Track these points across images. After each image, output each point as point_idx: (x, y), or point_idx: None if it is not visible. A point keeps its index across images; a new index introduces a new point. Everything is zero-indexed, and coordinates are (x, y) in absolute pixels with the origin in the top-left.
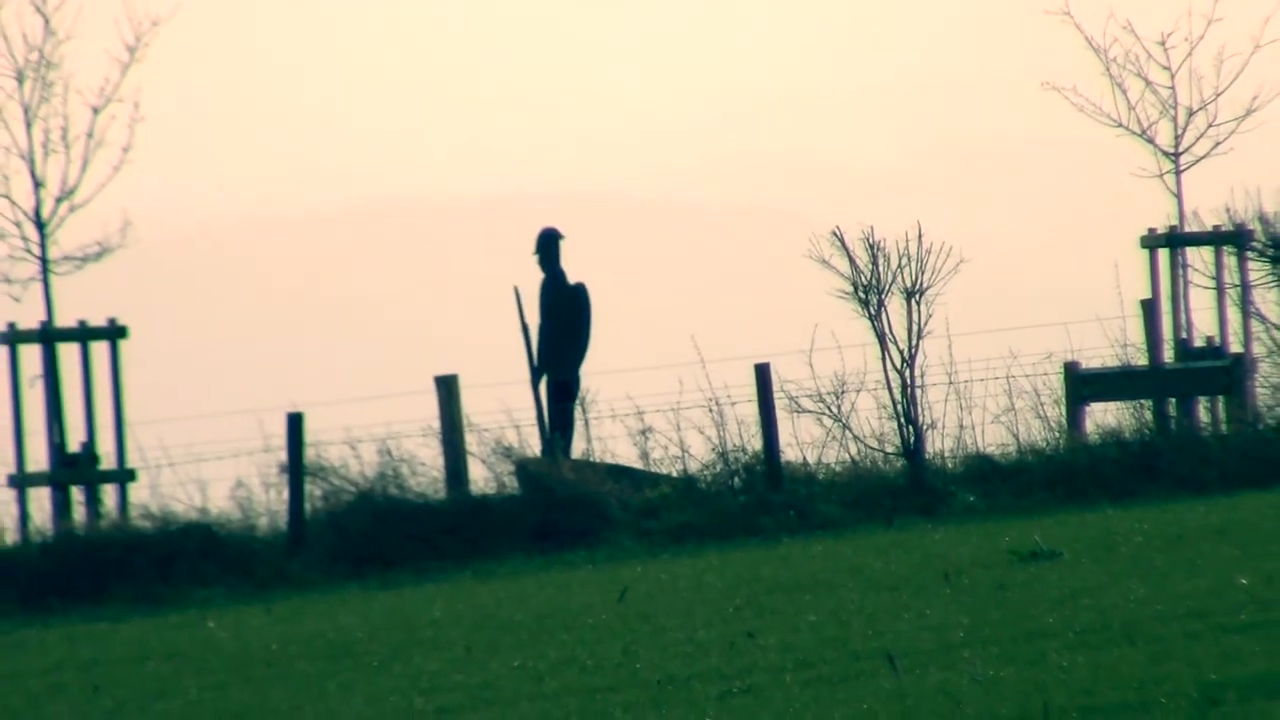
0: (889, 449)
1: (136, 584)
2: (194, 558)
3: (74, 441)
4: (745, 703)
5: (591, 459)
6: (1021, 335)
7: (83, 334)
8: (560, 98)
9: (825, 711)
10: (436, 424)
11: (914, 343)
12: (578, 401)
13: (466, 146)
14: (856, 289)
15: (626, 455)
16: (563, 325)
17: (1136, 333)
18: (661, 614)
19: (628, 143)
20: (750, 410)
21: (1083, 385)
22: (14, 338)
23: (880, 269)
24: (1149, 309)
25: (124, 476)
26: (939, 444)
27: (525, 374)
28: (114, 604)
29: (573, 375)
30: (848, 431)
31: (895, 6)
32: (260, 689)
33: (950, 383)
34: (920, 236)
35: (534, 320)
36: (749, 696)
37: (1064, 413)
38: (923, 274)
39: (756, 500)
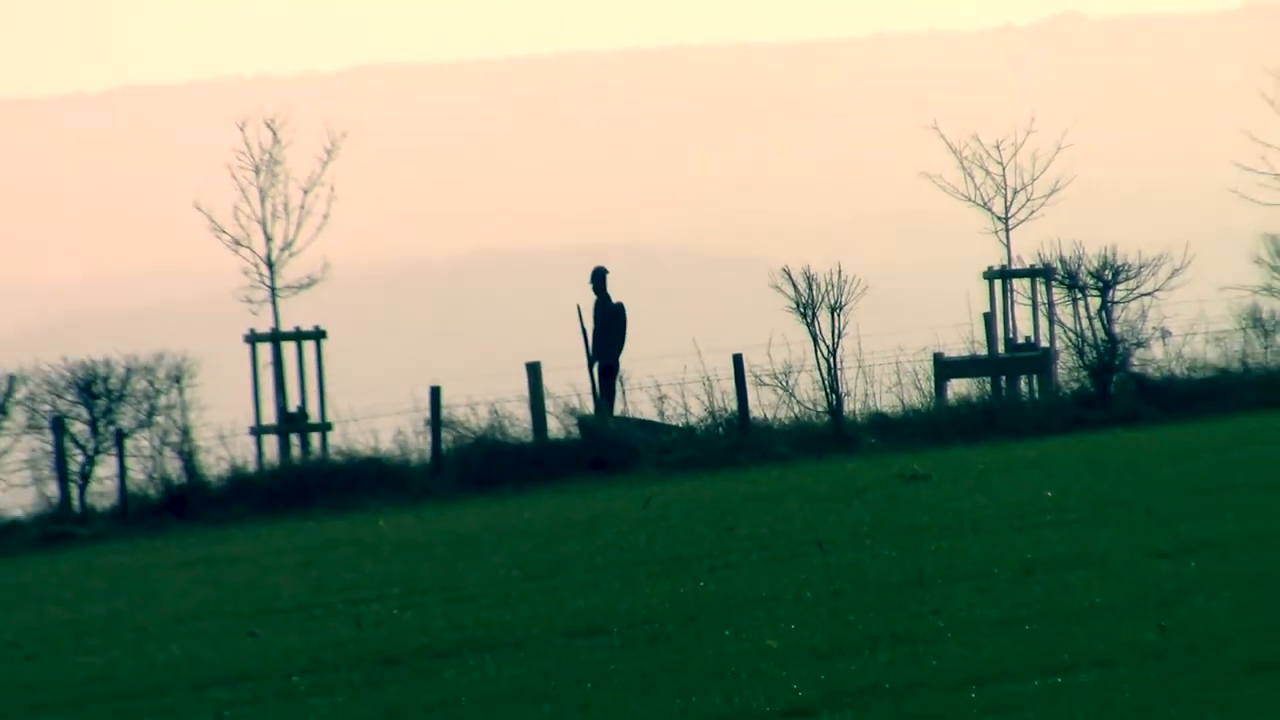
0: (819, 409)
1: (332, 497)
2: (370, 480)
3: (292, 404)
4: (726, 574)
5: (626, 415)
6: (906, 336)
7: (298, 336)
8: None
9: (777, 579)
10: (527, 393)
11: (836, 341)
12: (617, 379)
13: (544, 211)
14: (798, 306)
15: (649, 413)
16: (608, 330)
17: (980, 334)
18: (672, 516)
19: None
20: (730, 384)
21: (945, 368)
22: (254, 339)
23: (813, 293)
24: (988, 319)
25: (324, 428)
26: (852, 406)
27: (584, 361)
28: (318, 510)
29: (614, 362)
30: (793, 398)
31: None
32: (413, 564)
33: (859, 366)
34: (840, 271)
35: (589, 326)
36: (729, 570)
37: (933, 385)
38: (841, 296)
39: (733, 443)
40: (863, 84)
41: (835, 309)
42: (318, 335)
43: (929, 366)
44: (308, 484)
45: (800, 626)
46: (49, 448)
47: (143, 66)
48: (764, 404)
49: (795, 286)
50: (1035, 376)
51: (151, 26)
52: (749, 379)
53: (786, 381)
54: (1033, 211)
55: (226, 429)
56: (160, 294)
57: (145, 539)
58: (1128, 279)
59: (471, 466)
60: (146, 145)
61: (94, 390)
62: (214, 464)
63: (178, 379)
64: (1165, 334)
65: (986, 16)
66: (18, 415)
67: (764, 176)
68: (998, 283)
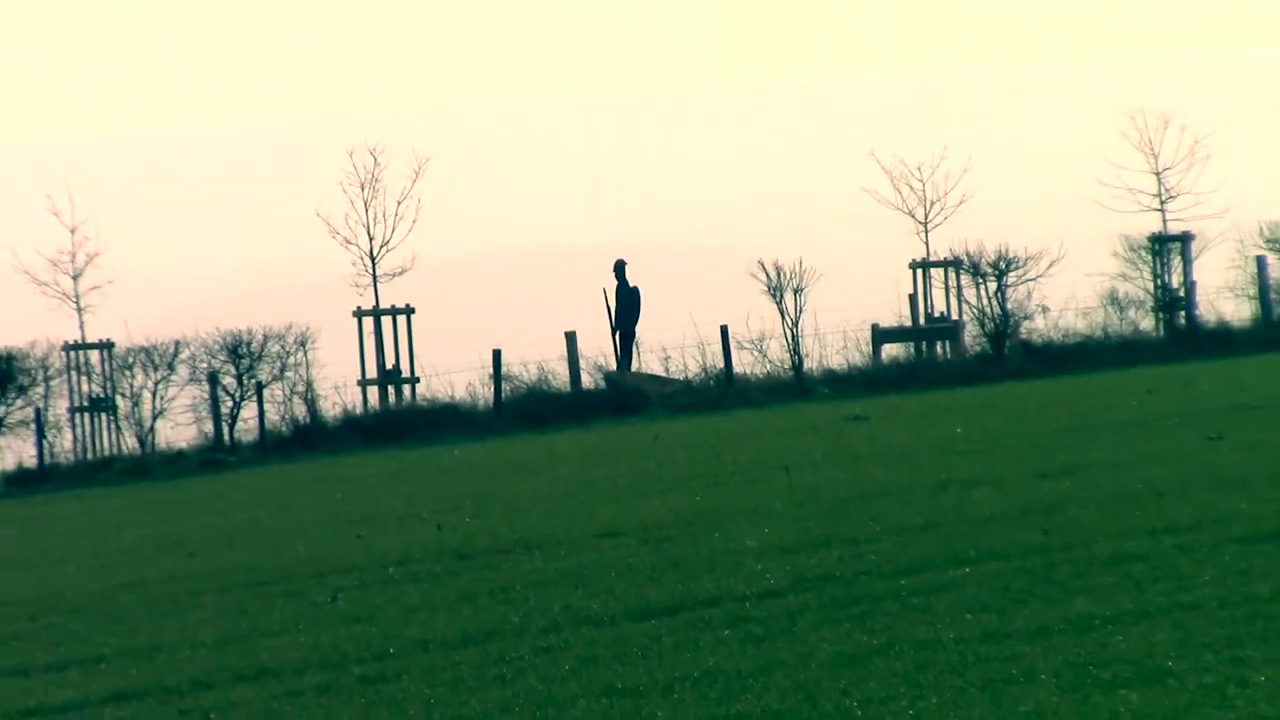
0: (785, 367)
1: (419, 433)
2: (447, 421)
3: (388, 363)
4: (716, 491)
5: (640, 371)
6: (850, 312)
7: (393, 311)
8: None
9: (754, 495)
10: (566, 354)
11: (798, 315)
12: (634, 344)
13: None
14: (769, 289)
15: (657, 369)
16: (626, 307)
17: (906, 310)
18: (675, 448)
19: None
20: (718, 348)
21: (880, 336)
22: (360, 314)
23: (780, 279)
24: (912, 299)
25: (413, 381)
26: (810, 364)
27: (608, 330)
28: (408, 443)
29: (631, 331)
30: (765, 358)
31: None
32: (479, 484)
33: (816, 334)
34: (801, 263)
35: (612, 304)
36: (718, 488)
37: (872, 349)
38: (802, 282)
39: (720, 392)
40: (821, 120)
41: (797, 291)
42: (408, 311)
43: (868, 334)
44: (400, 423)
45: (771, 530)
46: (206, 396)
47: (286, 106)
48: (744, 363)
49: (767, 274)
50: (948, 342)
51: (298, 76)
52: (733, 344)
53: (761, 346)
54: (946, 217)
55: (339, 382)
56: (290, 279)
57: (278, 464)
58: (1017, 268)
59: (524, 410)
60: (279, 165)
61: (239, 352)
62: (330, 408)
63: (303, 344)
64: (1045, 309)
65: (912, 68)
66: (182, 371)
67: (744, 190)
68: (919, 271)
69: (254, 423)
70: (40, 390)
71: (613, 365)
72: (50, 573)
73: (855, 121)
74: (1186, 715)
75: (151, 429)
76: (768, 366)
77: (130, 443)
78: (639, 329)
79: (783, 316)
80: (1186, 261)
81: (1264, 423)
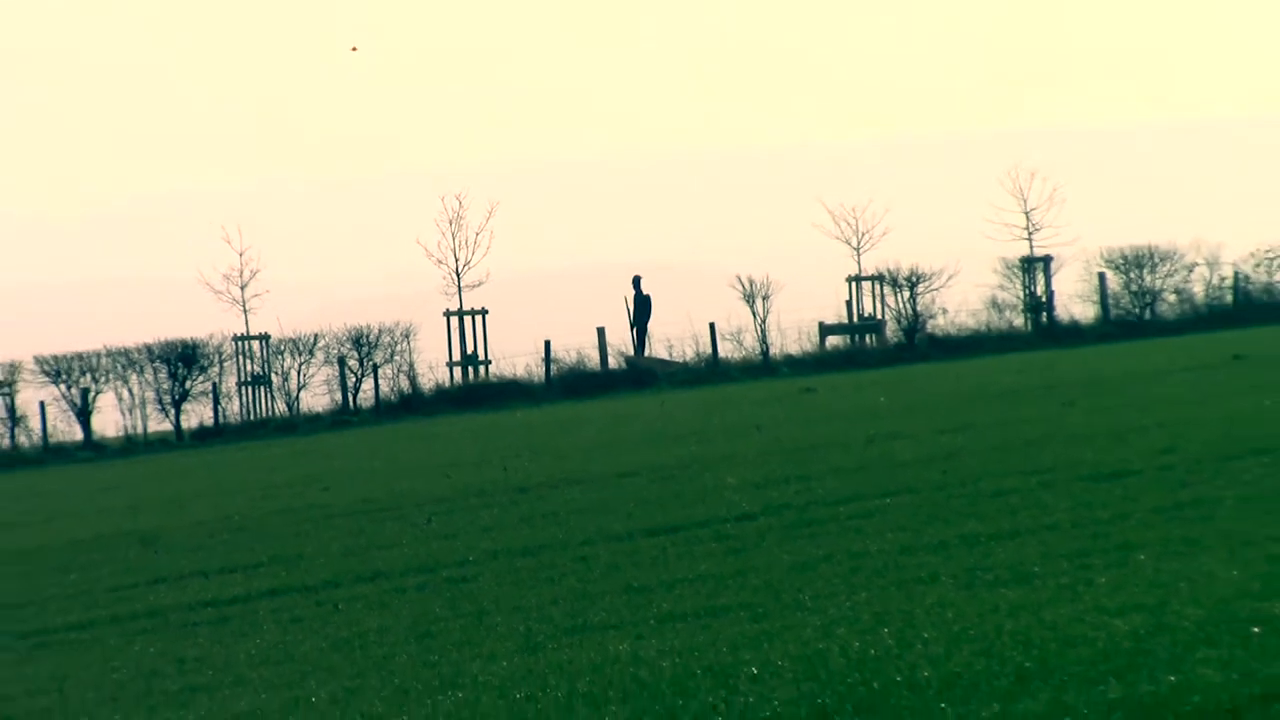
0: (756, 353)
1: (490, 402)
2: (511, 392)
3: (469, 349)
4: (705, 443)
5: (651, 356)
6: (804, 312)
7: (472, 312)
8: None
9: (734, 447)
10: (597, 343)
11: (765, 315)
12: (646, 336)
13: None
14: (745, 296)
15: (663, 354)
16: (641, 310)
17: (844, 311)
18: (679, 412)
19: (670, 236)
20: (708, 340)
21: (825, 330)
22: (448, 314)
23: (753, 289)
24: (849, 303)
25: (486, 363)
26: (775, 351)
27: (628, 326)
28: (483, 409)
29: (644, 327)
30: (742, 347)
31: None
32: (534, 438)
33: (779, 329)
34: (768, 277)
35: (631, 308)
36: (706, 441)
37: (819, 340)
38: (769, 290)
39: (709, 371)
40: (785, 174)
41: (765, 298)
42: (483, 312)
43: (816, 329)
44: (476, 394)
45: (746, 471)
46: (336, 374)
47: (396, 159)
48: (726, 350)
49: (743, 285)
50: (874, 335)
51: (403, 136)
52: (718, 336)
53: (738, 337)
54: (873, 244)
55: (433, 363)
56: (397, 288)
57: (389, 424)
58: (924, 281)
59: (566, 384)
60: (391, 204)
61: (361, 342)
62: (426, 383)
63: (406, 336)
64: (944, 311)
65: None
66: (319, 356)
67: (727, 224)
68: (854, 284)
69: (371, 393)
70: (216, 370)
71: (631, 351)
72: (223, 501)
73: (809, 174)
74: (1047, 607)
75: (296, 398)
76: (743, 352)
77: (281, 408)
78: (650, 325)
79: (754, 316)
80: (1047, 276)
81: (1104, 394)
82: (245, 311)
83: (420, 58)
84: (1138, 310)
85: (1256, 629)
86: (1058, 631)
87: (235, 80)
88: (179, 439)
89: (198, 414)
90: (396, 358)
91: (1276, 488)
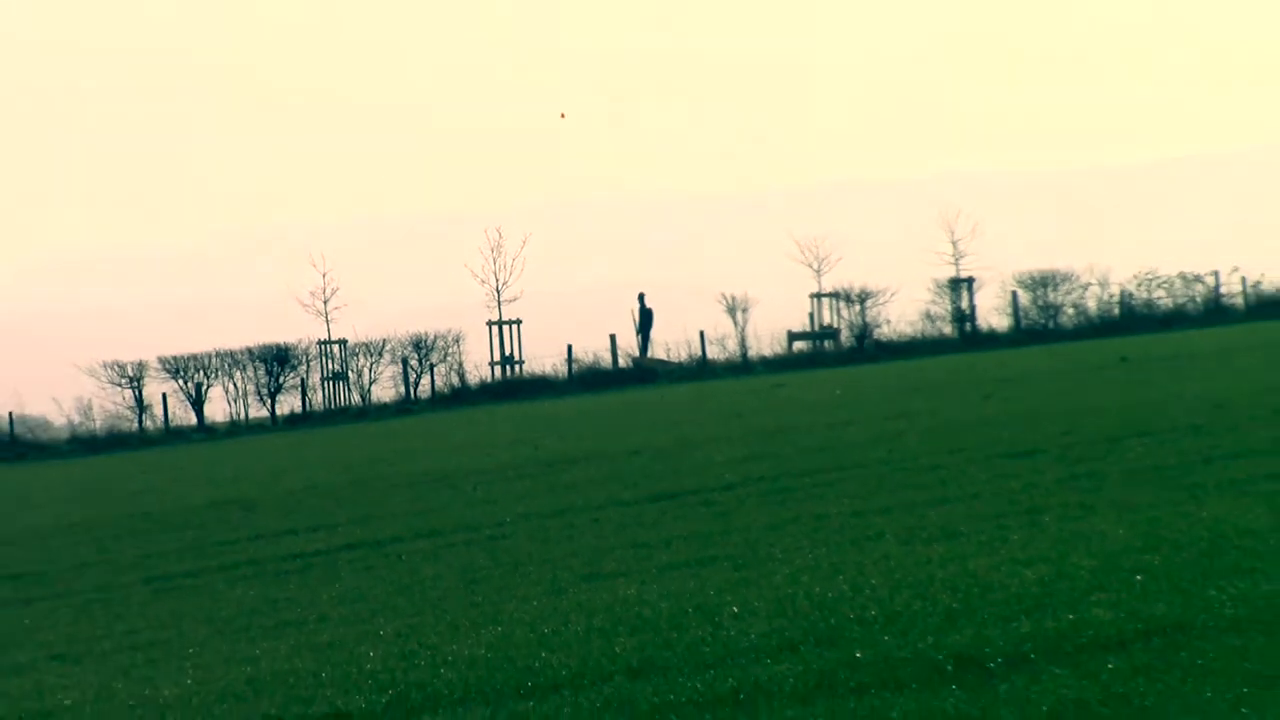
0: (737, 355)
1: (524, 395)
2: (540, 387)
3: (507, 352)
4: (696, 423)
5: (653, 357)
6: (776, 322)
7: (509, 322)
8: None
9: (721, 429)
10: (610, 347)
11: (744, 326)
12: (649, 342)
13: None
14: (729, 310)
15: (663, 356)
16: (645, 321)
17: (807, 322)
18: (673, 403)
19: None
20: (699, 345)
21: (793, 337)
22: (490, 323)
23: (735, 304)
24: (812, 316)
25: (520, 363)
26: (752, 354)
27: (634, 334)
28: (519, 399)
29: (647, 336)
30: (726, 350)
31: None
32: (561, 423)
33: (755, 335)
34: (746, 295)
35: (637, 319)
36: (699, 425)
37: (787, 344)
38: (748, 305)
39: (700, 370)
40: (761, 213)
41: (744, 311)
42: (518, 322)
43: (785, 336)
44: (513, 388)
45: (729, 450)
46: (400, 371)
47: (448, 201)
48: (713, 353)
49: (727, 301)
50: (832, 341)
51: (452, 179)
52: (708, 342)
53: (724, 343)
54: (831, 268)
55: (477, 362)
56: (448, 301)
57: (442, 412)
58: (872, 297)
59: (584, 380)
60: (442, 236)
61: (420, 346)
62: (472, 379)
63: (456, 341)
64: (887, 321)
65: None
66: (386, 357)
67: (716, 254)
68: (816, 299)
69: (428, 387)
70: (304, 368)
71: (637, 353)
72: (309, 474)
73: (780, 212)
74: (971, 559)
75: (368, 390)
76: (727, 354)
77: (355, 399)
78: (652, 333)
79: (735, 325)
80: (970, 294)
81: (1016, 388)
82: (327, 321)
83: (463, 114)
84: (1043, 321)
85: (1139, 577)
86: (979, 579)
87: (320, 136)
88: (274, 424)
89: (289, 403)
90: (448, 358)
91: (1154, 463)
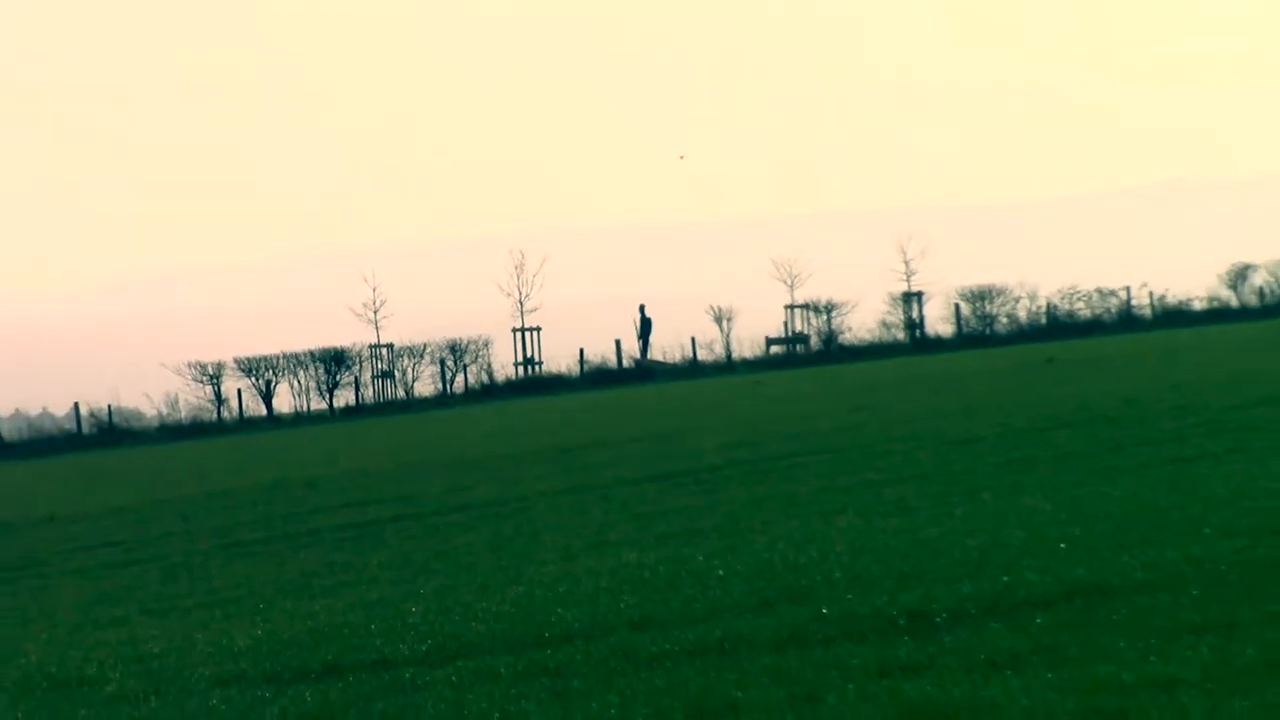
0: (723, 358)
1: (542, 391)
2: (556, 384)
3: (528, 354)
4: (690, 417)
5: (652, 359)
6: (758, 329)
7: (530, 329)
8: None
9: (709, 420)
10: (615, 351)
11: (729, 333)
12: (648, 346)
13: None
14: (716, 319)
15: (660, 358)
16: (645, 328)
17: (783, 329)
18: (669, 398)
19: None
20: (690, 349)
21: (770, 341)
22: (514, 330)
23: (722, 314)
24: (786, 324)
25: (539, 364)
26: (736, 356)
27: (636, 340)
28: (538, 396)
29: (647, 341)
30: (713, 353)
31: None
32: (577, 414)
33: (738, 340)
34: (731, 306)
35: (638, 327)
36: (692, 416)
37: (765, 348)
38: (732, 316)
39: (691, 370)
40: (747, 242)
41: (729, 319)
42: (538, 329)
43: (764, 341)
44: (533, 385)
45: (716, 437)
46: (438, 371)
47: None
48: (703, 355)
49: (715, 312)
50: (803, 345)
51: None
52: (698, 346)
53: (712, 348)
54: (802, 284)
55: (504, 363)
56: (478, 309)
57: (476, 405)
58: (837, 308)
59: (594, 378)
60: (474, 258)
61: (455, 349)
62: (500, 377)
63: (486, 345)
64: (849, 328)
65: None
66: (427, 358)
67: (707, 274)
68: (790, 310)
69: (462, 384)
70: (357, 367)
71: (638, 356)
72: (361, 457)
73: (761, 236)
74: (920, 530)
75: (411, 387)
76: (714, 357)
77: (400, 394)
78: (651, 339)
79: (722, 332)
80: (920, 306)
81: (958, 385)
82: (376, 328)
83: (495, 146)
84: (981, 328)
85: (1063, 545)
86: (928, 547)
87: (371, 164)
88: (331, 415)
89: (344, 397)
90: (479, 360)
91: (1076, 449)
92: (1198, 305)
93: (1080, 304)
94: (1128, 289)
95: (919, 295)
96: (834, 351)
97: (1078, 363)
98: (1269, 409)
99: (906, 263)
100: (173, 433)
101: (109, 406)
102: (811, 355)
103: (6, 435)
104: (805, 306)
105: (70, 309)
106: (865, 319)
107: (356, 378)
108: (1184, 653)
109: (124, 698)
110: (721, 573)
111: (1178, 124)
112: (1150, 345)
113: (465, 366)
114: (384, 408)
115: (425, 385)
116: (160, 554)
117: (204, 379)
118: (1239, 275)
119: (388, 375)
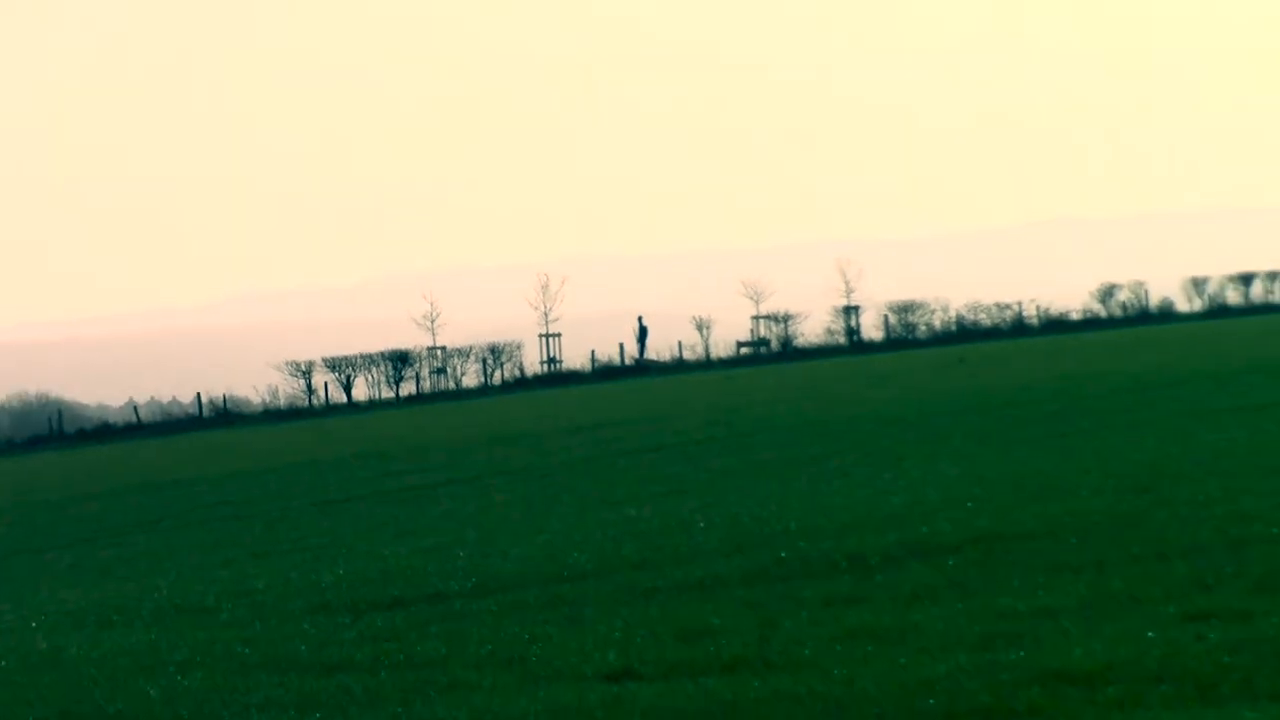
0: (703, 359)
1: (562, 384)
2: (573, 379)
3: (551, 354)
4: (679, 406)
5: (649, 358)
6: (730, 335)
7: (554, 335)
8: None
9: (693, 408)
10: (618, 351)
11: (708, 338)
12: (645, 349)
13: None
14: (698, 327)
15: (654, 358)
16: (643, 334)
17: (749, 336)
18: (661, 390)
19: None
20: (676, 351)
21: (740, 345)
22: (540, 336)
23: (702, 324)
24: (753, 331)
25: (560, 362)
26: (714, 356)
27: (634, 343)
28: (559, 388)
29: (644, 344)
30: (695, 354)
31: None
32: (589, 400)
33: (716, 344)
34: (709, 317)
35: (636, 332)
36: (681, 404)
37: (736, 351)
38: (710, 325)
39: (679, 367)
40: (720, 268)
41: (708, 328)
42: (559, 335)
43: (735, 345)
44: (556, 379)
45: (697, 419)
46: (480, 367)
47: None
48: (688, 356)
49: (697, 322)
50: (766, 348)
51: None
52: (684, 349)
53: (694, 349)
54: (765, 300)
55: (533, 362)
56: (511, 319)
57: (509, 395)
58: (793, 318)
59: (603, 374)
60: (510, 280)
61: (494, 350)
62: (530, 372)
63: (518, 347)
64: (802, 334)
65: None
66: (472, 357)
67: (695, 293)
68: (756, 321)
69: (499, 378)
70: (417, 365)
71: (637, 355)
72: (421, 435)
73: (731, 264)
74: (856, 490)
75: (459, 380)
76: (696, 357)
77: (451, 385)
78: (647, 342)
79: (702, 337)
80: (857, 316)
81: (888, 379)
82: (433, 334)
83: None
84: (905, 334)
85: (970, 504)
86: (863, 504)
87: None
88: (397, 402)
89: (407, 388)
90: (513, 358)
91: (981, 428)
92: (1075, 316)
93: (983, 315)
94: (1020, 303)
95: (856, 308)
96: (790, 353)
97: (982, 361)
98: (1130, 396)
99: (847, 283)
100: (273, 416)
101: (224, 396)
102: (772, 356)
103: (144, 417)
104: (768, 317)
105: (197, 320)
106: (814, 327)
107: (417, 373)
108: (1065, 586)
109: (235, 623)
110: (703, 524)
111: (1060, 170)
112: (1038, 347)
113: (502, 364)
114: (438, 396)
115: (471, 379)
116: (263, 510)
117: (299, 374)
118: (1107, 292)
119: (441, 371)
